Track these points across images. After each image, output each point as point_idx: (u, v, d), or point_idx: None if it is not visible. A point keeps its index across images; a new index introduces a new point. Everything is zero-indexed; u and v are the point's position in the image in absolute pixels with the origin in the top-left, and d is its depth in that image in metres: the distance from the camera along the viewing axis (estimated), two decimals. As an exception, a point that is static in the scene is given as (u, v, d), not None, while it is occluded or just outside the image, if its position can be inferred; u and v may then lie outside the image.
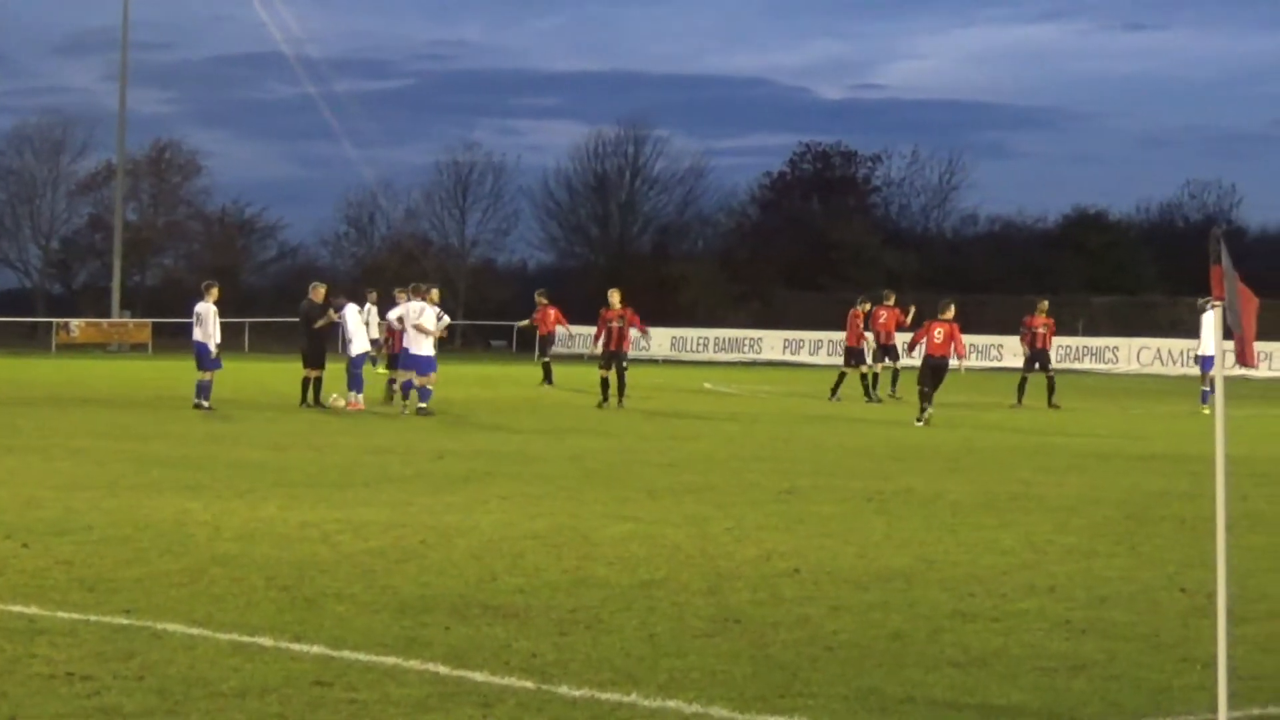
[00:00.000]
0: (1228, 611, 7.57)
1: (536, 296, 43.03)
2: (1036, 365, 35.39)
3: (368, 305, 43.37)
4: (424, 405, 28.66)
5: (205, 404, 29.11)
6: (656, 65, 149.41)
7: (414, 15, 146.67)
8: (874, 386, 35.99)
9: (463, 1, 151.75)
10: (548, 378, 40.47)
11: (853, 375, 36.29)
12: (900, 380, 36.27)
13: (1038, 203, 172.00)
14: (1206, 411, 30.79)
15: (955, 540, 13.64)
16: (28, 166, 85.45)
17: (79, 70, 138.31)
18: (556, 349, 43.77)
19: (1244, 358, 7.52)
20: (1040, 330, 35.75)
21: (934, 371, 29.09)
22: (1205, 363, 31.96)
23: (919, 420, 28.16)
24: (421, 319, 29.45)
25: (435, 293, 31.00)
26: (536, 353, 42.12)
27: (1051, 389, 34.42)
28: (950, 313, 29.48)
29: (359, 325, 31.29)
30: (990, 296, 68.16)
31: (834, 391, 36.01)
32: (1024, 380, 35.09)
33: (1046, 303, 37.10)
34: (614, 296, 33.22)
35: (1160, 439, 26.21)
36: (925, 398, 28.64)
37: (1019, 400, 34.39)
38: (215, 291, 30.38)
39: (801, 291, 76.07)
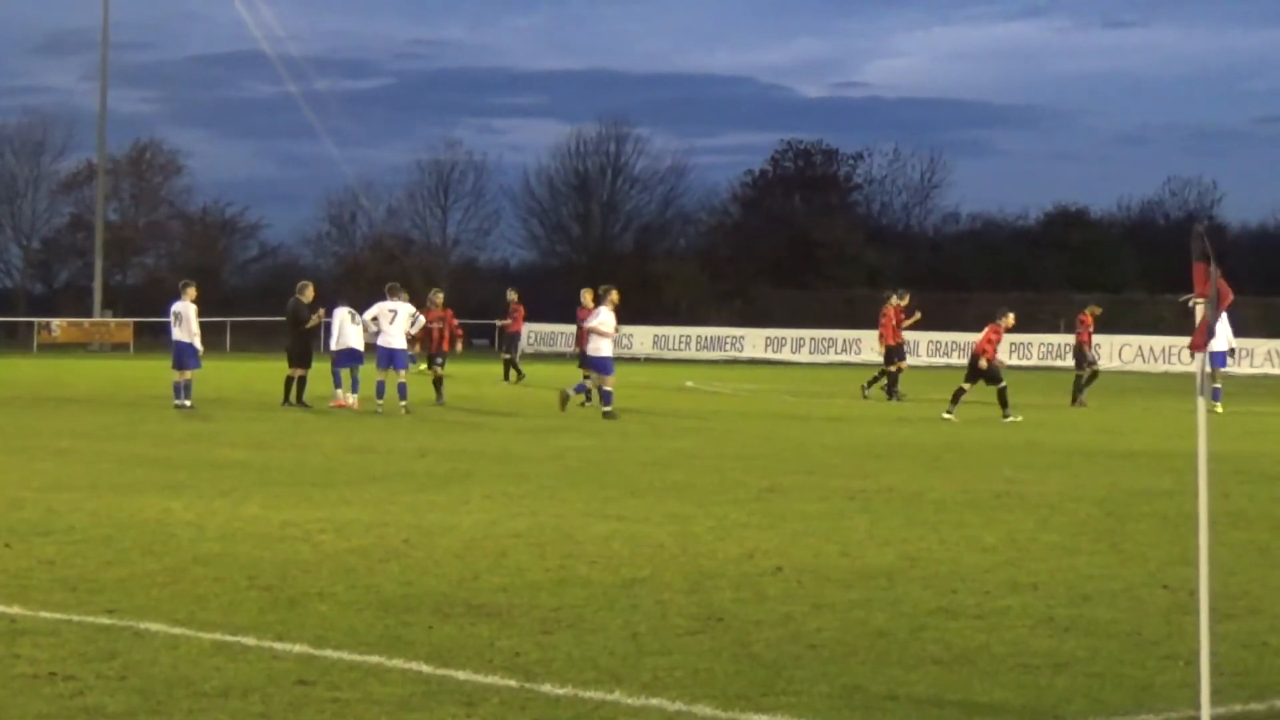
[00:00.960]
0: (1210, 608, 7.59)
1: (512, 294, 43.56)
2: (1079, 362, 35.70)
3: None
4: (609, 409, 28.28)
5: (187, 403, 29.12)
6: (637, 64, 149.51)
7: (393, 14, 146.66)
8: (872, 385, 36.21)
9: (442, 0, 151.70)
10: (506, 375, 41.26)
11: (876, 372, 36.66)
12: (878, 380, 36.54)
13: (1018, 200, 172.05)
14: (1220, 409, 30.93)
15: (938, 538, 13.66)
16: (8, 166, 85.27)
17: (57, 70, 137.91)
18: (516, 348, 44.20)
19: (1199, 346, 7.63)
20: (1091, 329, 35.96)
21: (969, 366, 29.98)
22: (1216, 359, 32.16)
23: (1007, 418, 28.79)
24: (597, 322, 29.24)
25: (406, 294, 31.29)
26: (503, 349, 42.78)
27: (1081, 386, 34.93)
28: (1006, 320, 30.38)
29: (348, 326, 31.23)
30: (971, 294, 68.24)
31: (891, 392, 35.74)
32: (1093, 375, 35.27)
33: (1100, 309, 37.56)
34: (586, 296, 33.22)
35: (1142, 436, 26.26)
36: (960, 395, 29.45)
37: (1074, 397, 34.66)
38: (193, 290, 30.39)
39: (783, 290, 76.11)
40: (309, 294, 31.73)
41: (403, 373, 29.64)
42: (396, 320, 30.01)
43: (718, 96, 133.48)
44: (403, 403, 29.02)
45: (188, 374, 29.61)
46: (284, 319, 32.34)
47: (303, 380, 30.46)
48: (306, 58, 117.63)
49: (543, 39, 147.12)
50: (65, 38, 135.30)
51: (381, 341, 29.90)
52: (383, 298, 30.77)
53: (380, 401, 29.24)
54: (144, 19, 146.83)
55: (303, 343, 31.03)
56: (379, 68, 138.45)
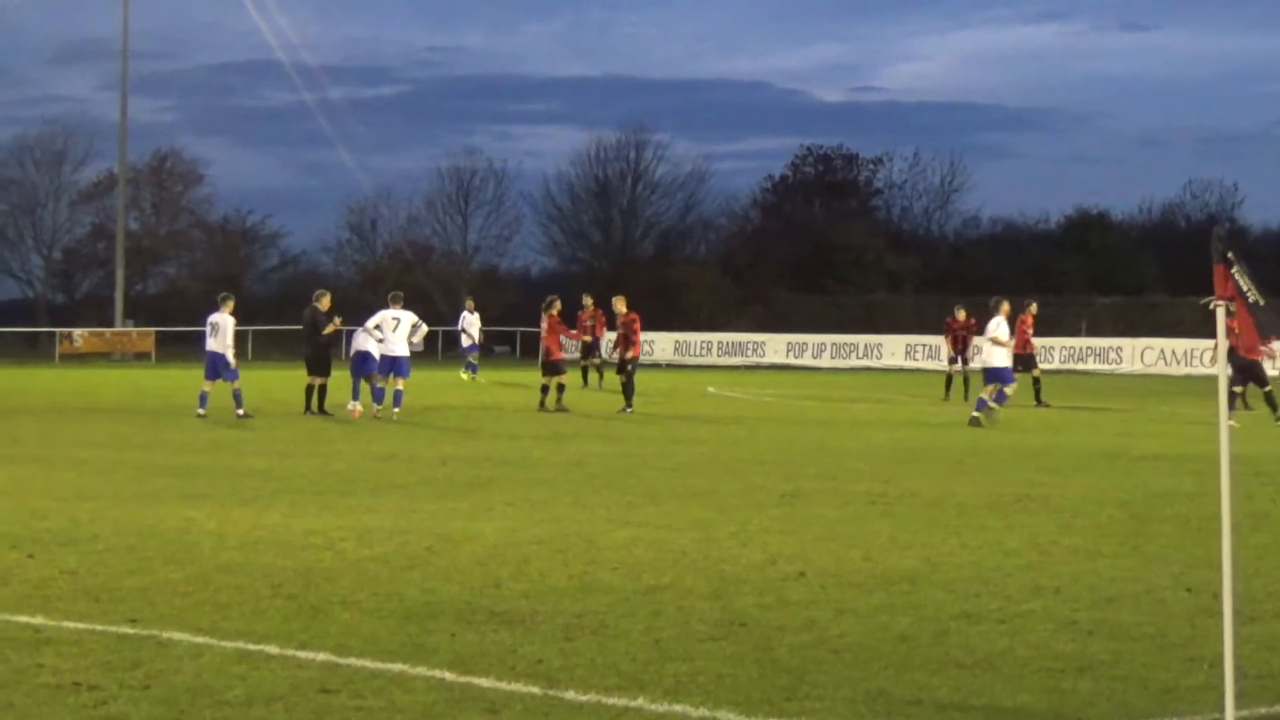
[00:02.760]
0: (1234, 611, 7.57)
1: (588, 299, 43.47)
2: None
3: (465, 314, 44.34)
4: (994, 408, 28.85)
5: (200, 412, 29.15)
6: (655, 70, 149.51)
7: (411, 21, 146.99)
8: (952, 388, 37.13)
9: (460, 7, 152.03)
10: (585, 381, 41.34)
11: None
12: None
13: (1039, 204, 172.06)
14: None
15: (960, 542, 13.64)
16: (29, 176, 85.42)
17: (73, 80, 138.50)
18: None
19: (1256, 350, 7.64)
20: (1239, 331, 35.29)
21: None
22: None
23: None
24: (997, 333, 29.68)
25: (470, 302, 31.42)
26: (585, 355, 43.00)
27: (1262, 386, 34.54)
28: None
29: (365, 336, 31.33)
30: (992, 298, 67.99)
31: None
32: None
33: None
34: (619, 304, 33.49)
35: (1164, 439, 26.19)
36: (1236, 398, 29.28)
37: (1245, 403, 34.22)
38: (232, 303, 30.57)
39: (804, 295, 76.04)
40: (325, 302, 31.80)
41: (402, 381, 29.86)
42: (400, 328, 30.33)
43: (736, 102, 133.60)
44: (395, 409, 29.25)
45: (237, 384, 29.58)
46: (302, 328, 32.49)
47: (323, 389, 30.54)
48: (324, 66, 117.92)
49: (560, 45, 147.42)
50: (79, 47, 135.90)
51: (384, 350, 30.17)
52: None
53: (379, 407, 29.44)
54: (161, 28, 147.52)
55: (321, 351, 31.10)
56: (396, 75, 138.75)
